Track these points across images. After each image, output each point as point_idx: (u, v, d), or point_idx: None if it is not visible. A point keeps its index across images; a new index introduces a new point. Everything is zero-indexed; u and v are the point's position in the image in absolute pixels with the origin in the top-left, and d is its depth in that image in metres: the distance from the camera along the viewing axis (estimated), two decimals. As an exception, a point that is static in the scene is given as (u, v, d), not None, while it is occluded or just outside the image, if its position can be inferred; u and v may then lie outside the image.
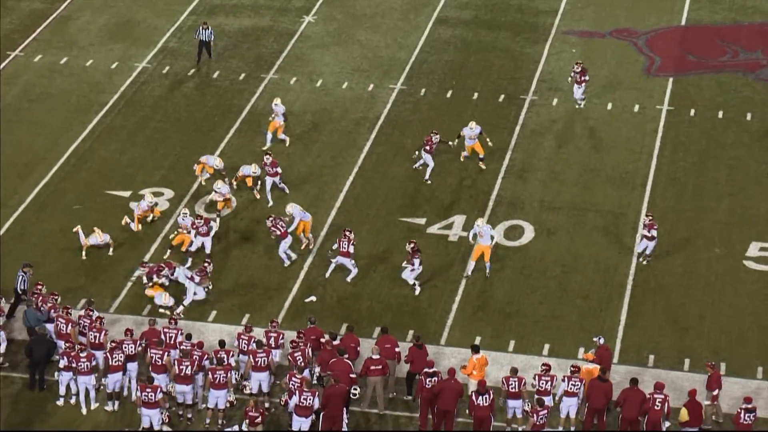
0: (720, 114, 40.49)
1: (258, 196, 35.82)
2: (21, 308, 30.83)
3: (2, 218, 35.04)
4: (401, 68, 43.17)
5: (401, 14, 46.55)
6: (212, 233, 33.24)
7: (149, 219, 34.76)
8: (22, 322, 30.42)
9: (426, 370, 28.03)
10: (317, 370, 28.49)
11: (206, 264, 31.91)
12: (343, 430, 27.63)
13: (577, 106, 40.12)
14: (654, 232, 32.94)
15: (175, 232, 33.77)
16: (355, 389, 28.17)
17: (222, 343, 28.89)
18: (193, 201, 35.87)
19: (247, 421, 27.23)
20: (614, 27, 45.63)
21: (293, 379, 27.78)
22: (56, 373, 28.71)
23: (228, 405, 28.16)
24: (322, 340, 29.03)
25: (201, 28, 42.99)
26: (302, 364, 28.49)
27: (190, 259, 32.91)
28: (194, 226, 33.19)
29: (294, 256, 33.43)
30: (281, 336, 29.33)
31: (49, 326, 29.62)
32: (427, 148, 36.69)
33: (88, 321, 29.58)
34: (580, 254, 34.05)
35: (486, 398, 27.46)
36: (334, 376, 27.73)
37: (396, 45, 44.59)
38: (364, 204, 36.26)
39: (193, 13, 46.32)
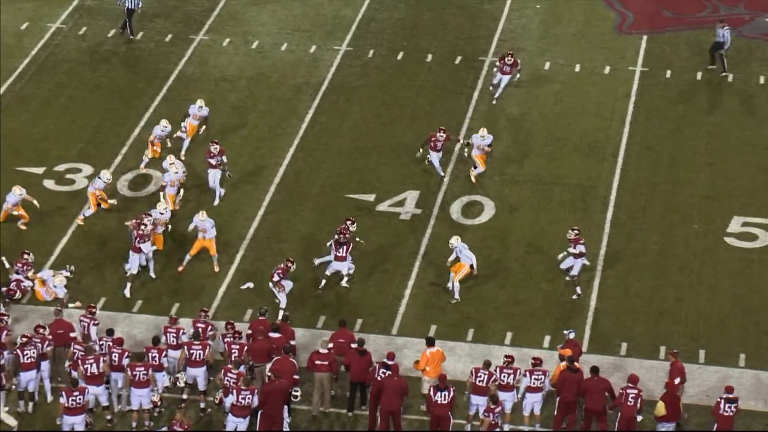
0: (698, 76, 40.81)
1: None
2: None
3: None
4: (347, 27, 43.13)
5: (346, -33, 46.54)
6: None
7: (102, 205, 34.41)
8: None
9: (385, 360, 28.07)
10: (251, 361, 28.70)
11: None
12: (283, 430, 27.72)
13: (494, 101, 38.92)
14: (581, 248, 31.65)
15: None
16: (296, 391, 28.27)
17: (156, 340, 28.90)
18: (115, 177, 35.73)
19: None
20: (582, -21, 45.86)
21: (229, 374, 27.83)
22: None
23: (152, 405, 28.18)
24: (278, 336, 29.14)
25: None
26: (238, 357, 28.55)
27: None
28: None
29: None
30: (210, 327, 29.40)
31: None
32: (431, 145, 35.74)
33: None
34: (546, 232, 34.27)
35: (446, 395, 27.52)
36: (273, 371, 27.80)
37: (341, 1, 44.53)
38: (307, 179, 36.27)
39: (113, -33, 46.03)
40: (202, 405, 28.71)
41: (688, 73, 40.86)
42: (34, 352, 28.36)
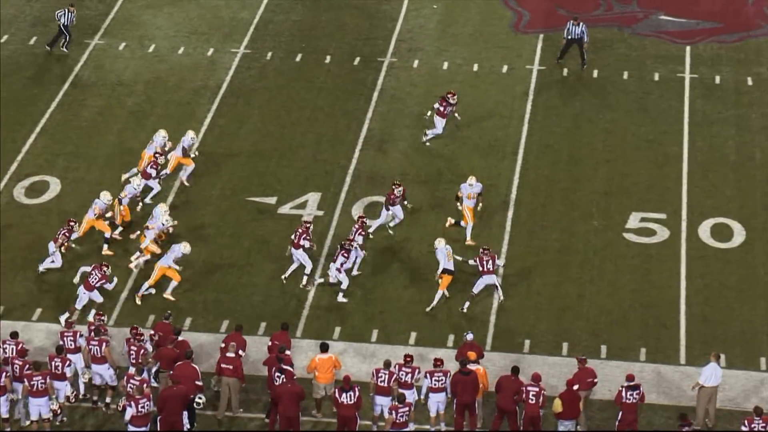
0: (595, 73, 41.25)
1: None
2: None
3: None
4: (244, 30, 42.95)
5: (242, -31, 46.33)
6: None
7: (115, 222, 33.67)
8: None
9: (281, 365, 28.02)
10: (155, 368, 28.49)
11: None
12: (184, 435, 27.55)
13: (426, 141, 37.54)
14: (495, 265, 31.72)
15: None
16: (200, 398, 28.09)
17: (59, 349, 28.50)
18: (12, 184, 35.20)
19: None
20: (478, -21, 46.13)
21: (131, 381, 27.56)
22: None
23: (52, 414, 27.81)
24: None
25: (66, 10, 41.09)
26: (135, 360, 28.29)
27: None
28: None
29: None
30: (104, 330, 29.17)
31: None
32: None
33: None
34: (448, 231, 34.39)
35: (351, 395, 27.53)
36: (172, 378, 27.59)
37: (238, 3, 44.33)
38: (207, 183, 36.05)
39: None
40: (107, 400, 28.54)
41: (584, 71, 41.26)
42: None
